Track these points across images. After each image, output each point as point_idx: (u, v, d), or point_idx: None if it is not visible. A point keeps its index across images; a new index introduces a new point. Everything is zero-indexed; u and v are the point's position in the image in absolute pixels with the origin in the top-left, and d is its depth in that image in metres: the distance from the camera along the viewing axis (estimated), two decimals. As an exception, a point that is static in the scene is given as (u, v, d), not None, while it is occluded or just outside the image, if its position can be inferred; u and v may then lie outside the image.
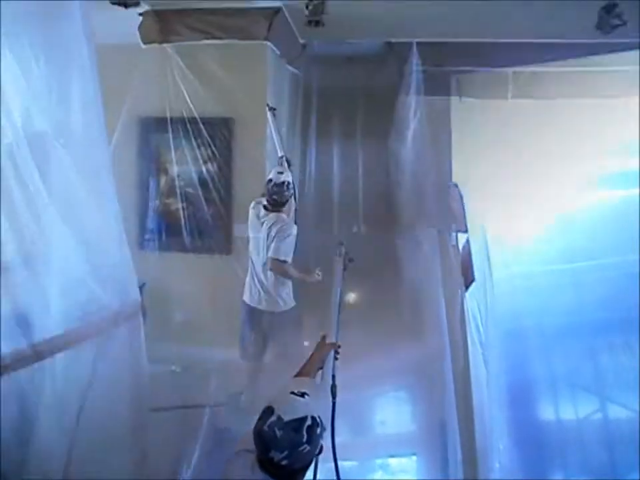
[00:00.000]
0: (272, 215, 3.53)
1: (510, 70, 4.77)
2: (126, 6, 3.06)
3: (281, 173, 3.54)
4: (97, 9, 3.07)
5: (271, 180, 3.49)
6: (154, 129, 4.10)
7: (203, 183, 4.07)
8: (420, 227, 4.75)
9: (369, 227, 5.15)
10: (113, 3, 3.03)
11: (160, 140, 4.10)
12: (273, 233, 3.45)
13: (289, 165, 3.90)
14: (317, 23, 3.26)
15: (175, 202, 4.15)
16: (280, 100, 4.37)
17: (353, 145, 5.12)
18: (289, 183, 3.52)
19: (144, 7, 3.88)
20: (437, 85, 4.81)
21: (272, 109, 3.88)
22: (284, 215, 3.58)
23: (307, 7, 3.25)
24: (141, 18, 3.92)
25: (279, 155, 3.93)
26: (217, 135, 4.02)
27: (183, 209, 4.10)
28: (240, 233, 4.05)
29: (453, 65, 4.81)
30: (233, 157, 4.04)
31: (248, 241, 3.73)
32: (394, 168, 4.93)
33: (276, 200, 3.51)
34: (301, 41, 4.79)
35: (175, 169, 4.13)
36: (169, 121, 3.99)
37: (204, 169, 4.07)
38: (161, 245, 4.17)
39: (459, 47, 4.65)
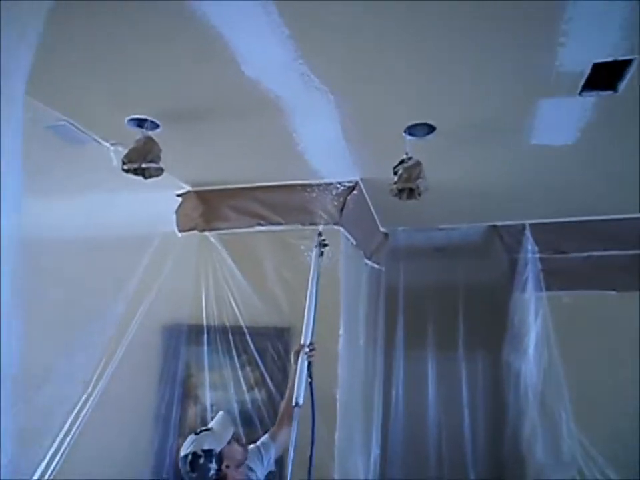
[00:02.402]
0: None
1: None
2: (145, 176, 2.22)
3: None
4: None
5: None
6: (182, 340, 3.02)
7: (246, 418, 2.84)
8: None
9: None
10: (126, 171, 2.19)
11: (190, 355, 3.00)
12: None
13: None
14: (411, 192, 2.26)
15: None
16: (356, 302, 3.28)
17: (453, 359, 3.87)
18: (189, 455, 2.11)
19: (184, 187, 3.10)
20: (563, 277, 3.61)
21: (323, 244, 2.66)
22: None
23: (395, 173, 2.29)
24: (179, 199, 3.12)
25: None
26: (268, 350, 2.87)
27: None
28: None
29: (580, 249, 3.65)
30: (287, 385, 2.82)
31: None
32: (512, 388, 3.56)
33: None
34: (382, 229, 3.87)
35: (208, 396, 2.95)
36: (204, 330, 2.94)
37: (248, 398, 2.86)
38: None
39: (587, 226, 3.53)
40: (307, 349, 2.43)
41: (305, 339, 2.45)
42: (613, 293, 3.55)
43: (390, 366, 3.86)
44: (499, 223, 3.71)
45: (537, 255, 3.60)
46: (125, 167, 2.22)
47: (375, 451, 3.51)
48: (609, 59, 1.75)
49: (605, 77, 1.85)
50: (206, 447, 2.12)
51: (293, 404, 2.32)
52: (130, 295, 2.76)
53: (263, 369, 2.86)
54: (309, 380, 2.38)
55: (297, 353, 2.43)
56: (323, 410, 2.73)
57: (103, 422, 2.74)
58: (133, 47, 1.78)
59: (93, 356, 2.65)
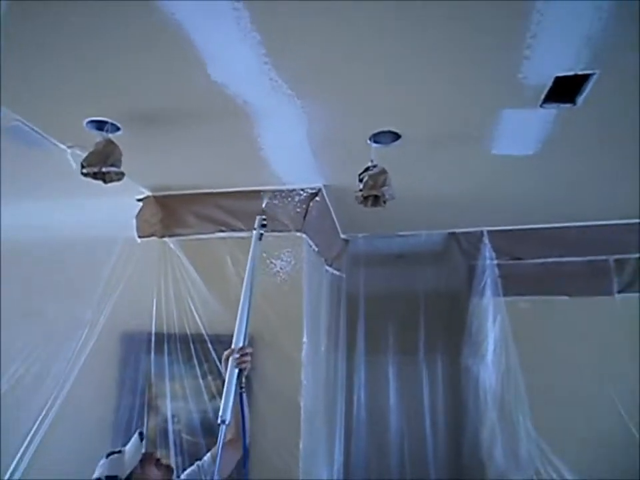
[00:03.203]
0: None
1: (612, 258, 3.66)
2: (105, 180, 2.15)
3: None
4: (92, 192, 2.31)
5: None
6: (142, 349, 2.93)
7: (207, 428, 2.77)
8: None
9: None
10: (85, 175, 2.11)
11: (150, 365, 2.91)
12: None
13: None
14: (376, 200, 2.26)
15: (166, 455, 2.81)
16: (318, 308, 3.27)
17: (414, 364, 3.91)
18: None
19: (144, 192, 3.02)
20: (519, 282, 3.70)
21: (263, 224, 2.44)
22: None
23: (360, 180, 2.29)
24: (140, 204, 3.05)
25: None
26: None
27: (178, 466, 2.73)
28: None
29: (537, 256, 3.74)
30: (251, 391, 2.78)
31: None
32: (472, 393, 3.62)
33: None
34: (342, 236, 3.88)
35: (168, 407, 2.87)
36: (165, 338, 2.86)
37: (210, 407, 2.80)
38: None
39: (543, 234, 3.64)
40: (236, 355, 2.11)
41: (235, 342, 2.15)
42: (566, 298, 3.66)
43: (352, 371, 3.86)
44: (457, 230, 3.76)
45: (495, 262, 3.67)
46: (85, 171, 2.13)
47: (339, 459, 3.51)
48: (570, 73, 1.80)
49: (565, 90, 1.91)
50: (109, 473, 1.99)
51: (219, 421, 2.00)
52: (94, 300, 2.69)
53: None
54: (240, 391, 2.08)
55: (227, 359, 2.13)
56: (287, 418, 2.72)
57: (64, 429, 2.67)
58: (92, 45, 1.70)
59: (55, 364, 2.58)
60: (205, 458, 2.26)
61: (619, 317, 3.47)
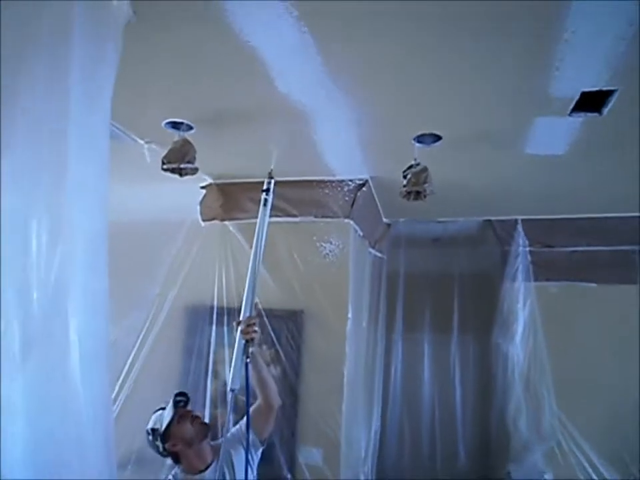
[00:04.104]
0: None
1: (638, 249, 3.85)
2: (181, 174, 2.48)
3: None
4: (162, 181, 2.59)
5: None
6: (205, 320, 3.32)
7: (261, 390, 3.14)
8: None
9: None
10: (165, 170, 2.45)
11: (211, 334, 3.30)
12: None
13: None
14: (418, 195, 2.55)
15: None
16: (361, 288, 3.58)
17: (447, 341, 4.19)
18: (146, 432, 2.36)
19: (207, 180, 3.36)
20: (549, 269, 3.93)
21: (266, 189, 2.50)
22: None
23: (404, 177, 2.57)
24: (203, 192, 3.39)
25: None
26: (283, 330, 3.18)
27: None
28: (307, 459, 3.06)
29: (566, 244, 3.96)
30: (300, 362, 3.14)
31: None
32: (500, 369, 3.90)
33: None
34: (385, 220, 4.17)
35: (227, 371, 3.25)
36: (225, 311, 3.23)
37: (264, 374, 3.16)
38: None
39: (573, 224, 3.85)
40: (242, 327, 2.20)
41: (243, 313, 2.23)
42: (594, 285, 3.88)
43: (390, 346, 4.17)
44: (493, 218, 4.00)
45: (527, 248, 3.90)
46: (165, 167, 2.47)
47: (376, 423, 3.85)
48: (595, 89, 2.03)
49: (591, 102, 2.14)
50: (152, 426, 2.25)
51: (228, 388, 2.16)
52: (163, 277, 3.04)
53: (278, 347, 3.16)
54: (247, 361, 2.15)
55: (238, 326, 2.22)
56: (331, 384, 3.07)
57: (140, 393, 3.06)
58: (178, 61, 1.99)
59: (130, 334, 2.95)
60: (244, 420, 2.39)
61: (640, 304, 3.68)
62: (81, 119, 1.30)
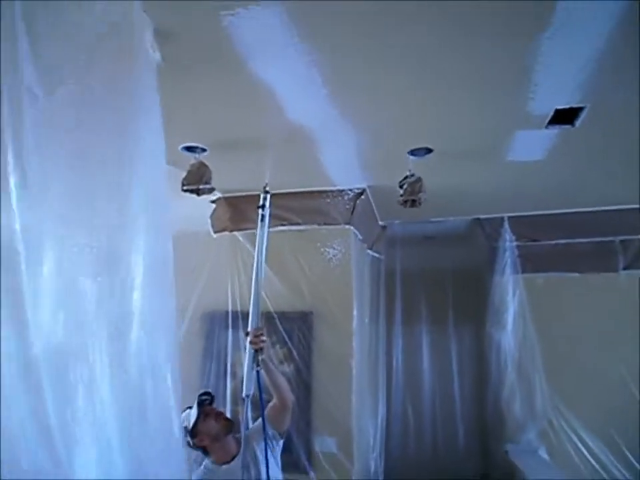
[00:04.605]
0: None
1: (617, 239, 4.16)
2: (198, 193, 2.73)
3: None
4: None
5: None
6: (222, 325, 3.58)
7: (276, 387, 3.42)
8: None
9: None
10: (185, 191, 2.70)
11: (228, 338, 3.56)
12: None
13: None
14: (414, 202, 2.83)
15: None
16: (363, 288, 3.86)
17: (443, 332, 4.49)
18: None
19: (217, 194, 3.61)
20: (535, 261, 4.23)
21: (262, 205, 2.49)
22: None
23: (401, 187, 2.85)
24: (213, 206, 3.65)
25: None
26: (294, 331, 3.45)
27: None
28: (322, 447, 3.33)
29: (551, 237, 4.26)
30: (312, 359, 3.41)
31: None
32: (494, 356, 4.20)
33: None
34: (380, 223, 4.45)
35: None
36: (239, 315, 3.49)
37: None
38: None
39: (556, 219, 4.15)
40: (250, 338, 2.27)
41: (250, 324, 2.31)
42: (577, 274, 4.19)
43: (390, 339, 4.46)
44: (481, 216, 4.29)
45: (514, 243, 4.20)
46: (184, 188, 2.71)
47: (382, 411, 4.14)
48: (567, 106, 2.32)
49: (565, 117, 2.42)
50: (183, 424, 2.28)
51: (243, 395, 2.26)
52: (182, 287, 3.28)
53: (290, 346, 3.43)
54: (257, 369, 2.23)
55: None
56: (341, 377, 3.34)
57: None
58: (195, 92, 2.21)
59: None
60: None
61: (622, 291, 4.00)
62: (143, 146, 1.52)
